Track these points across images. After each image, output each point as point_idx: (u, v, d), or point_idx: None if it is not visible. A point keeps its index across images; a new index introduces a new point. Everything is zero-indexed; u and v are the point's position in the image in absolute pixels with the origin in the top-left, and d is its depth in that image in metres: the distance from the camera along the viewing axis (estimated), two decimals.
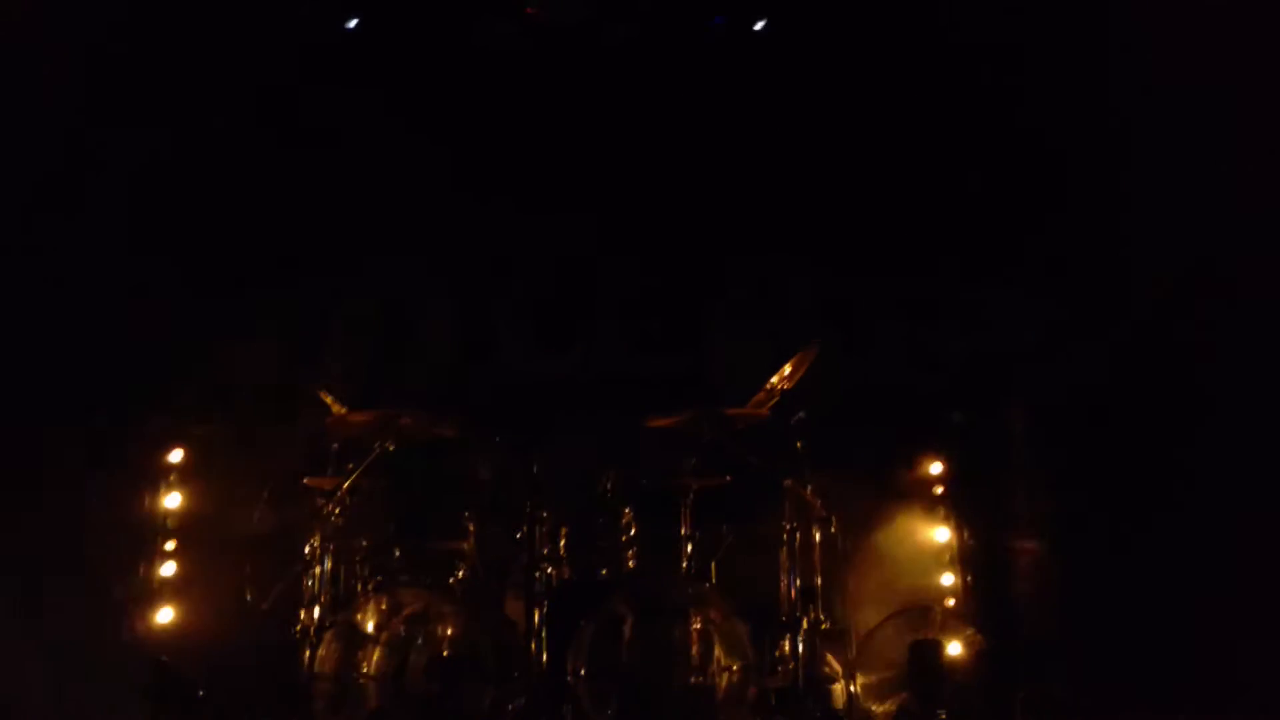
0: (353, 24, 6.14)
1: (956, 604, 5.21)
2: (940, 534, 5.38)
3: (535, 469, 5.16)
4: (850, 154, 5.93)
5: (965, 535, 5.31)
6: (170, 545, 5.22)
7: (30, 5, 5.10)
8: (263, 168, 5.69)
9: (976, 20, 5.61)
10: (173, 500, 5.28)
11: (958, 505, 5.39)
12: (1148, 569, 4.85)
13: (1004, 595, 5.25)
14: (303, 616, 4.83)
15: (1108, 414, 5.18)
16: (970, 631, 5.03)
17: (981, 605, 5.24)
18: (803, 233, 5.97)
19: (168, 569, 5.17)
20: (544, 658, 4.72)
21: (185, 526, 5.28)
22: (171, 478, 5.31)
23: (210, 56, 5.56)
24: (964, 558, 5.29)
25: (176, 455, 5.35)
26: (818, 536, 5.02)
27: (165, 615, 5.12)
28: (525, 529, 5.02)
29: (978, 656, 4.99)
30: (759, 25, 6.21)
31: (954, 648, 5.00)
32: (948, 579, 5.28)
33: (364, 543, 5.09)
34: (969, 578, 5.23)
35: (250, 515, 5.31)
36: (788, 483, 5.05)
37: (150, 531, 5.23)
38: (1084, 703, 4.75)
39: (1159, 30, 5.08)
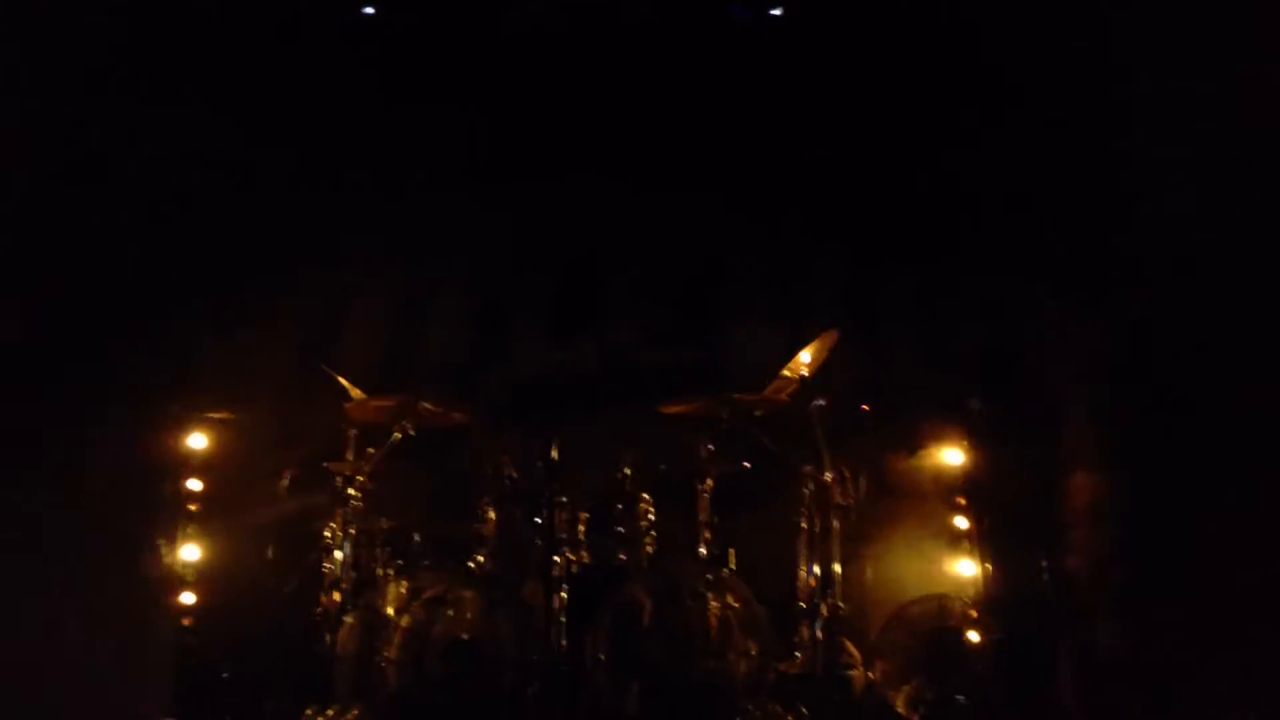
0: (369, 10, 6.16)
1: (975, 593, 5.20)
2: (959, 522, 5.37)
3: (553, 455, 5.18)
4: (866, 140, 5.91)
5: (984, 524, 5.30)
6: (192, 530, 5.24)
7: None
8: (282, 153, 5.70)
9: (1000, 9, 5.58)
10: (194, 485, 5.30)
11: (977, 494, 5.37)
12: (1176, 555, 4.82)
13: (1025, 585, 5.23)
14: (323, 600, 4.87)
15: (1128, 400, 5.15)
16: (988, 620, 5.03)
17: (1000, 595, 5.23)
18: (820, 219, 5.96)
19: (190, 552, 5.19)
20: (563, 643, 4.74)
21: (207, 511, 5.31)
22: (193, 463, 5.32)
23: (223, 41, 5.57)
24: (983, 547, 5.28)
25: (198, 441, 5.37)
26: (836, 523, 5.02)
27: (188, 598, 5.15)
28: (544, 515, 5.05)
29: (995, 645, 4.99)
30: (775, 12, 6.19)
31: (972, 637, 5.00)
32: (967, 567, 5.27)
33: (384, 526, 5.12)
34: (988, 567, 5.22)
35: (271, 499, 5.35)
36: (806, 469, 5.06)
37: (172, 516, 5.26)
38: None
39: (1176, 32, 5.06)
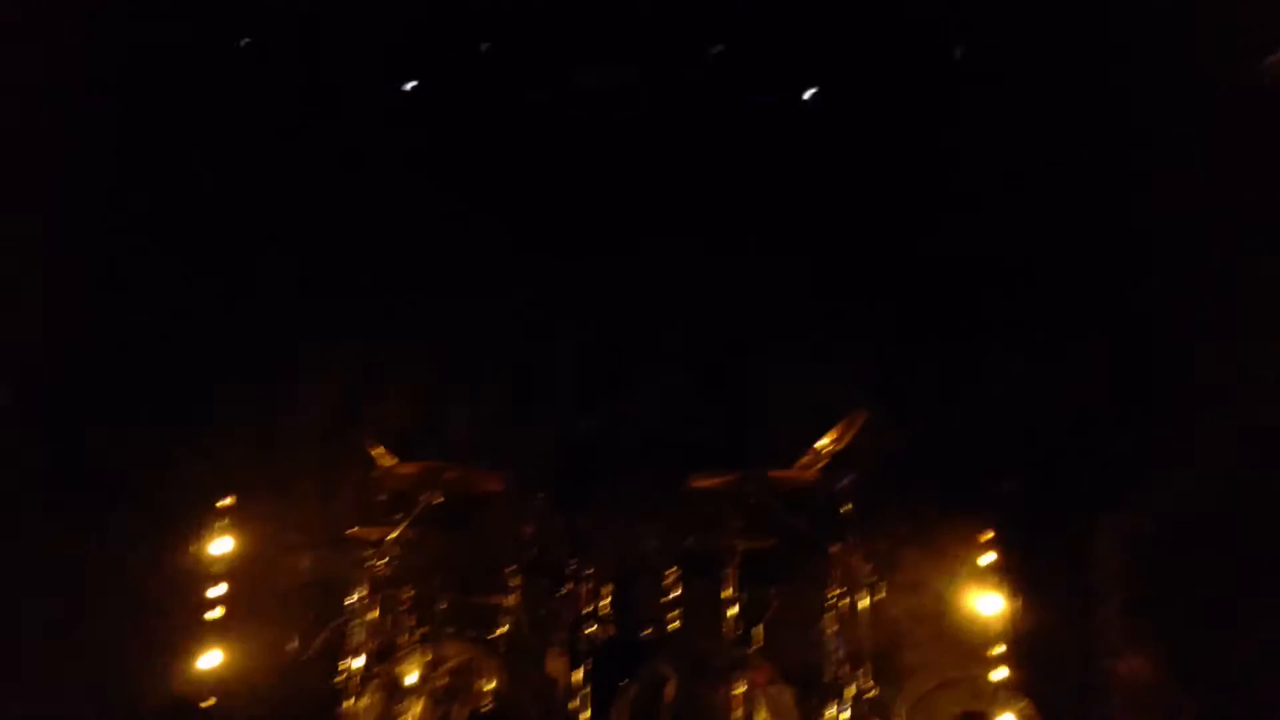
0: (409, 85, 6.33)
1: (1008, 676, 5.09)
2: (992, 603, 5.28)
3: (579, 526, 5.16)
4: (897, 219, 5.97)
5: (1018, 605, 5.21)
6: (217, 591, 5.21)
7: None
8: (316, 215, 5.81)
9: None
10: (222, 546, 5.28)
11: (1010, 575, 5.30)
12: (1215, 644, 4.74)
13: (1058, 669, 5.13)
14: (345, 666, 4.81)
15: (1169, 485, 5.11)
16: (1022, 704, 4.91)
17: (1034, 679, 5.12)
18: (851, 297, 5.99)
19: (214, 614, 5.16)
20: (586, 716, 4.65)
21: (233, 573, 5.29)
22: (221, 524, 5.32)
23: (269, 102, 5.72)
24: (1016, 629, 5.19)
25: (225, 501, 5.37)
26: (865, 602, 4.95)
27: (211, 660, 5.10)
28: (569, 586, 5.01)
29: None
30: (808, 95, 6.31)
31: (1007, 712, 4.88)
32: (1000, 650, 5.17)
33: (408, 594, 5.08)
34: (1021, 649, 5.12)
35: (297, 564, 5.33)
36: (835, 547, 5.01)
37: (197, 577, 5.25)
38: None
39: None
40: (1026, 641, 5.17)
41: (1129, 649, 4.96)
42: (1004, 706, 4.90)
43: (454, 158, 6.07)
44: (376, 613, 4.91)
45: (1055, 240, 5.68)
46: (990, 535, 5.41)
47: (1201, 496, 4.96)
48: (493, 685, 4.72)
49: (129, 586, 5.08)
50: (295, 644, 5.15)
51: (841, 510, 5.08)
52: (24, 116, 5.08)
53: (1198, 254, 5.28)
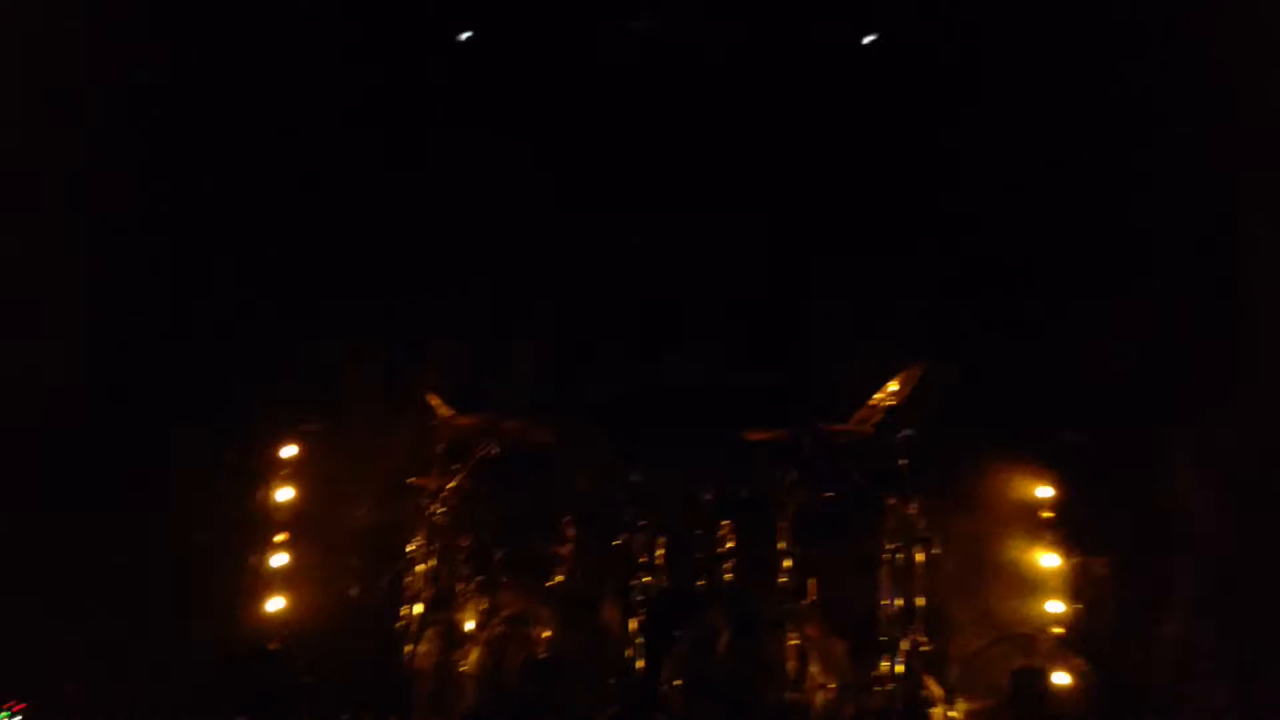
0: (465, 36, 6.28)
1: (1064, 632, 5.05)
2: (1049, 559, 5.23)
3: (634, 478, 5.19)
4: (961, 170, 5.84)
5: (1075, 561, 5.15)
6: (281, 538, 5.34)
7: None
8: (374, 174, 5.83)
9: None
10: (284, 494, 5.41)
11: (1067, 530, 5.23)
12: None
13: (1115, 625, 5.07)
14: (404, 613, 4.93)
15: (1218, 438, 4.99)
16: (1078, 661, 4.87)
17: (1090, 635, 5.07)
18: (912, 248, 5.89)
19: (279, 560, 5.30)
20: (639, 666, 4.72)
21: (296, 521, 5.41)
22: (284, 473, 5.44)
23: (319, 63, 5.73)
24: (1073, 585, 5.14)
25: (289, 451, 5.48)
26: (920, 557, 4.94)
27: (275, 605, 5.24)
28: (624, 537, 5.05)
29: (1085, 688, 4.84)
30: (867, 40, 6.17)
31: (1060, 677, 4.85)
32: (1055, 606, 5.12)
33: (465, 543, 5.16)
34: (1078, 606, 5.07)
35: (358, 512, 5.44)
36: (891, 501, 4.99)
37: (262, 524, 5.38)
38: None
39: None
40: (1085, 599, 5.11)
41: (1190, 611, 4.88)
42: (1059, 664, 4.86)
43: (506, 114, 6.04)
44: (435, 561, 5.01)
45: (1119, 190, 5.52)
46: (1050, 490, 5.35)
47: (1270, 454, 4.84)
48: (548, 634, 4.79)
49: (195, 534, 5.21)
50: (355, 591, 5.27)
51: (898, 464, 5.06)
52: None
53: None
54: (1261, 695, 4.67)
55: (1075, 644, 4.98)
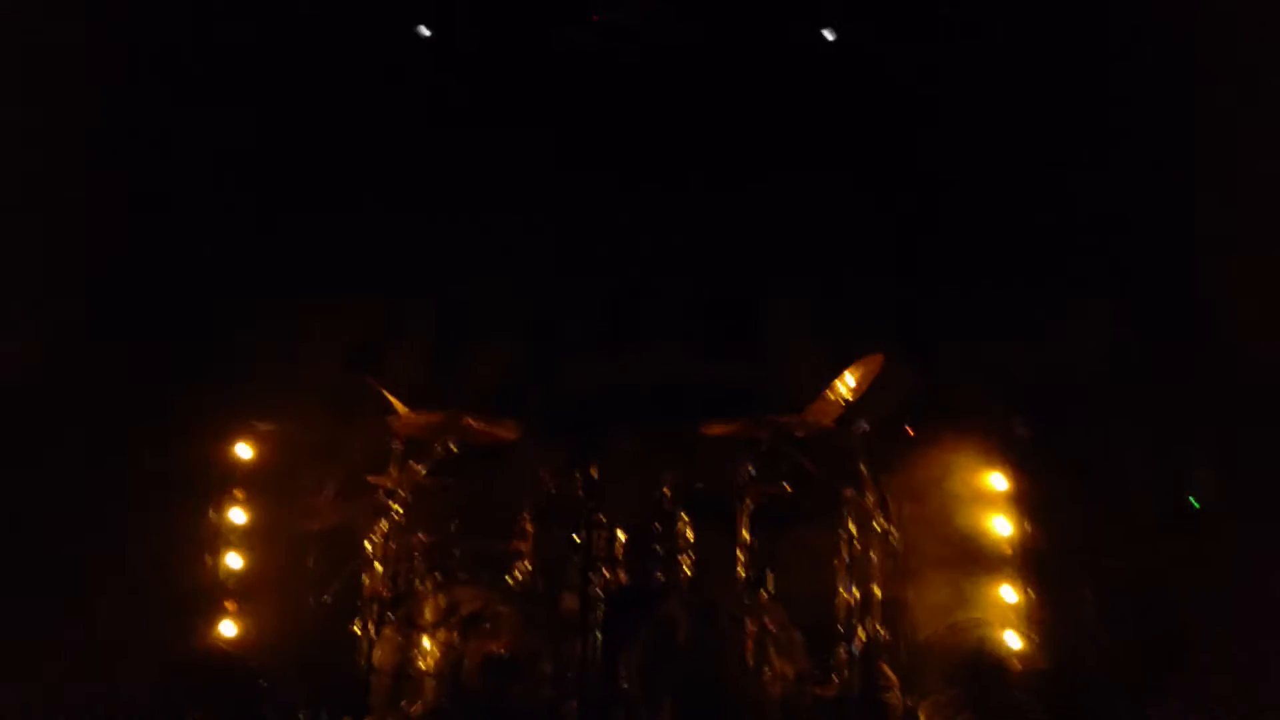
0: (425, 32, 6.25)
1: (1017, 617, 5.12)
2: (1004, 548, 5.28)
3: (593, 473, 5.18)
4: (916, 163, 5.89)
5: (1028, 548, 5.22)
6: (237, 536, 5.31)
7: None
8: (331, 165, 5.80)
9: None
10: (240, 493, 5.37)
11: (1021, 518, 5.30)
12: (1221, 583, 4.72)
13: (1068, 611, 5.14)
14: (362, 610, 4.90)
15: (1175, 428, 5.07)
16: (1030, 646, 4.94)
17: (1044, 620, 5.14)
18: (869, 241, 5.94)
19: (235, 560, 5.26)
20: (598, 661, 4.72)
21: (252, 519, 5.37)
22: (240, 472, 5.40)
23: (283, 54, 5.68)
24: (1026, 571, 5.20)
25: (245, 450, 5.44)
26: (877, 548, 4.97)
27: (232, 605, 5.21)
28: (583, 532, 5.05)
29: (1040, 674, 4.90)
30: (829, 34, 6.19)
31: (1014, 664, 4.91)
32: (1010, 594, 5.19)
33: (424, 540, 5.14)
34: (1031, 591, 5.13)
35: (314, 510, 5.41)
36: (848, 492, 5.02)
37: (218, 524, 5.34)
38: None
39: None
40: (1039, 586, 5.18)
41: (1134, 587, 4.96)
42: (1014, 651, 4.93)
43: (470, 108, 6.01)
44: (393, 559, 4.99)
45: (1071, 184, 5.59)
46: (1005, 481, 5.41)
47: (1212, 445, 4.92)
48: (507, 631, 4.78)
49: (146, 544, 5.17)
50: (313, 589, 5.24)
51: (854, 454, 5.09)
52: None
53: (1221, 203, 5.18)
54: (1216, 684, 4.76)
55: (1030, 630, 5.04)
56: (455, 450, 5.15)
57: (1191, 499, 5.06)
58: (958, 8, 5.85)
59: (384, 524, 4.97)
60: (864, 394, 5.16)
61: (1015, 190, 5.74)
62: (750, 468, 5.18)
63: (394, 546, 5.00)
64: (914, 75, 5.92)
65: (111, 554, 5.01)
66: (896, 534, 5.06)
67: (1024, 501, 5.31)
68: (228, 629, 5.31)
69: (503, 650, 4.75)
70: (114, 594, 4.98)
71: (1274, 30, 4.99)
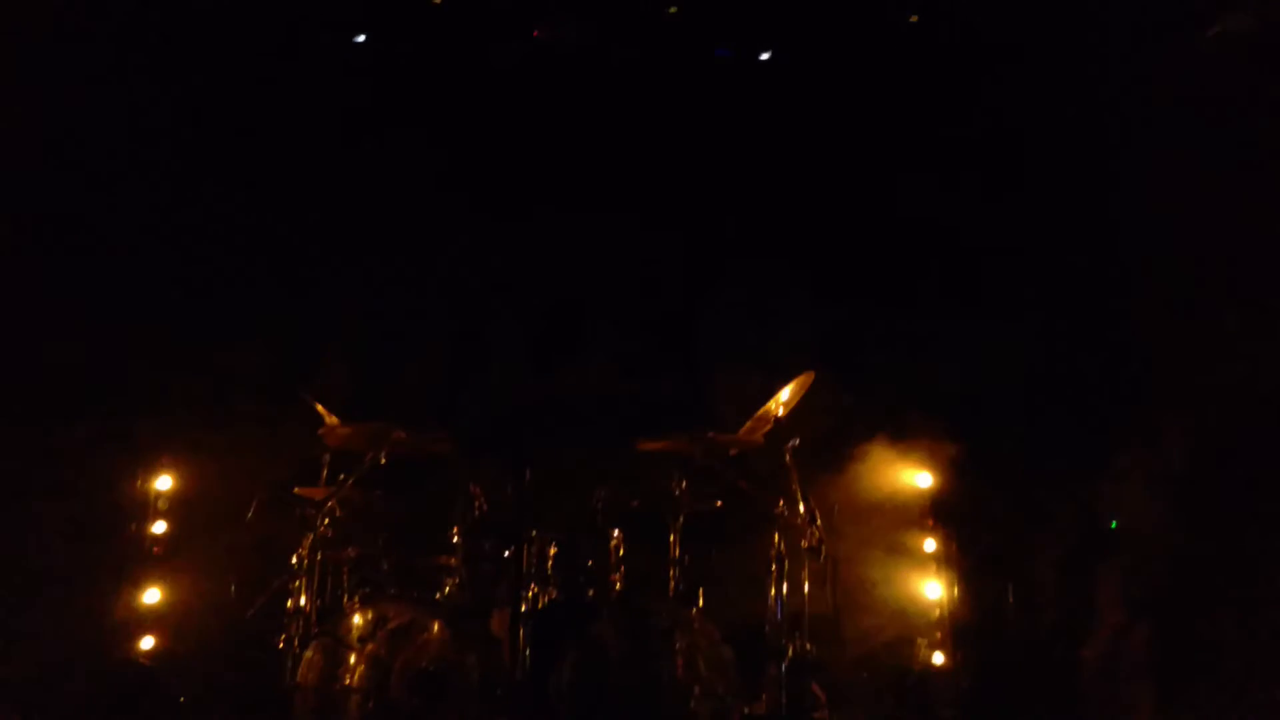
0: (360, 38, 6.20)
1: (944, 634, 5.18)
2: (933, 564, 5.36)
3: (524, 487, 5.15)
4: (848, 183, 5.97)
5: (957, 565, 5.29)
6: (158, 548, 5.19)
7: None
8: (260, 174, 5.73)
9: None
10: (164, 505, 5.26)
11: (949, 535, 5.37)
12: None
13: (996, 625, 5.23)
14: (287, 625, 4.81)
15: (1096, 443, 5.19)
16: (956, 661, 5.00)
17: (972, 634, 5.22)
18: (800, 259, 6.00)
19: (156, 574, 5.15)
20: (528, 677, 4.68)
21: (176, 530, 5.26)
22: (163, 484, 5.29)
23: (216, 61, 5.61)
24: (955, 588, 5.28)
25: (169, 460, 5.33)
26: (807, 564, 5.00)
27: (153, 619, 5.09)
28: (513, 547, 5.01)
29: (962, 687, 4.97)
30: (764, 56, 6.25)
31: (943, 677, 4.97)
32: (939, 608, 5.26)
33: (351, 554, 5.07)
34: (960, 608, 5.21)
35: (241, 523, 5.30)
36: (779, 509, 5.04)
37: (140, 536, 5.22)
38: None
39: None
40: (969, 601, 5.26)
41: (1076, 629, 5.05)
42: (943, 665, 4.98)
43: (401, 118, 5.97)
44: (319, 573, 4.91)
45: (1003, 203, 5.71)
46: (934, 494, 5.48)
47: (1153, 478, 5.04)
48: (435, 646, 4.72)
49: (73, 516, 5.03)
50: (236, 603, 5.13)
51: (786, 471, 5.12)
52: None
53: (1152, 227, 5.33)
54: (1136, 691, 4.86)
55: (959, 643, 5.11)
56: (385, 463, 5.08)
57: (1111, 521, 5.18)
58: (881, 30, 5.96)
59: (311, 537, 4.89)
60: (795, 411, 5.20)
61: (942, 211, 5.85)
62: (683, 483, 5.19)
63: (321, 560, 4.91)
64: (843, 96, 6.01)
65: (29, 568, 4.88)
66: (827, 551, 5.09)
67: (952, 517, 5.39)
68: (146, 644, 5.18)
69: (430, 666, 4.69)
70: (31, 612, 4.84)
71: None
